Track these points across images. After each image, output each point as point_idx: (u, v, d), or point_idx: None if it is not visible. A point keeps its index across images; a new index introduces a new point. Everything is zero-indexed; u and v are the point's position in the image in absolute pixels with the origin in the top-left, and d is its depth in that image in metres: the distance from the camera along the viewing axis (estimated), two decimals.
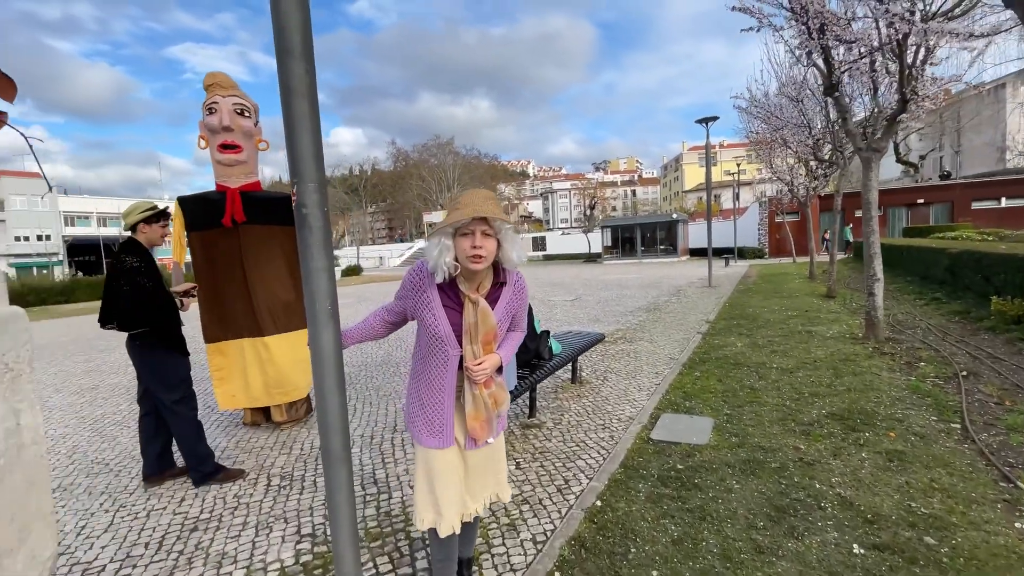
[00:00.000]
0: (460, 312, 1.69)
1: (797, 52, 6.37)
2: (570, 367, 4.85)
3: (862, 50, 5.75)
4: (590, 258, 39.25)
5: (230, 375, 3.91)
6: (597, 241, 39.12)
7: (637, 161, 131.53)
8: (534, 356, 3.86)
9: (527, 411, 4.02)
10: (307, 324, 1.55)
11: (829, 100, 10.51)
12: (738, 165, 32.40)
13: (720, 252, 26.55)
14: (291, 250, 3.76)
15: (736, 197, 29.84)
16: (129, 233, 3.05)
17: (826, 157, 11.89)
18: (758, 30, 6.38)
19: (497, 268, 1.74)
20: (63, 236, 44.70)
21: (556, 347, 4.14)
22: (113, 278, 2.91)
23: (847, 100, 6.85)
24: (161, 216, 3.08)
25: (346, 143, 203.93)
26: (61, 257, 43.31)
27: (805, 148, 11.56)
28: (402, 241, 70.01)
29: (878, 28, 5.53)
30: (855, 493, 2.61)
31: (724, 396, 4.24)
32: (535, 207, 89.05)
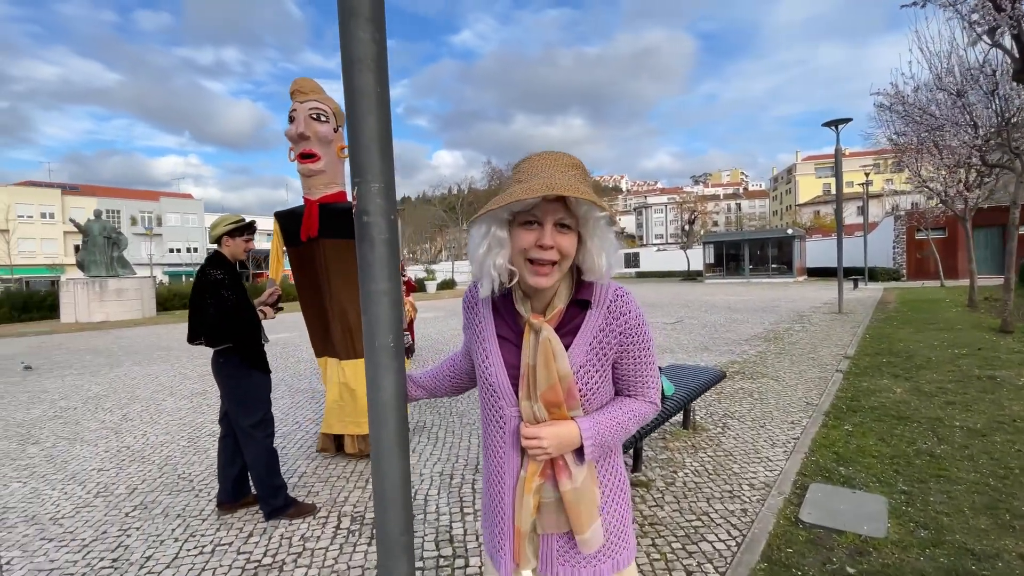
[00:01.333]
0: (520, 346, 1.06)
1: (978, 29, 5.13)
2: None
3: None
4: (689, 276, 36.90)
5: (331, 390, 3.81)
6: (697, 258, 36.75)
7: (742, 173, 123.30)
8: None
9: (630, 463, 3.37)
10: (365, 362, 1.13)
11: (998, 94, 8.69)
12: (866, 175, 28.63)
13: (847, 273, 23.41)
14: None
15: (865, 210, 26.29)
16: (215, 246, 2.98)
17: (995, 161, 9.82)
18: (923, 5, 5.27)
19: (578, 277, 1.06)
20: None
21: (668, 387, 3.45)
22: (198, 292, 2.84)
23: None
24: (245, 230, 2.97)
25: (446, 165, 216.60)
26: None
27: (970, 151, 9.64)
28: None
29: None
30: None
31: (893, 464, 3.27)
32: (628, 222, 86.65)
